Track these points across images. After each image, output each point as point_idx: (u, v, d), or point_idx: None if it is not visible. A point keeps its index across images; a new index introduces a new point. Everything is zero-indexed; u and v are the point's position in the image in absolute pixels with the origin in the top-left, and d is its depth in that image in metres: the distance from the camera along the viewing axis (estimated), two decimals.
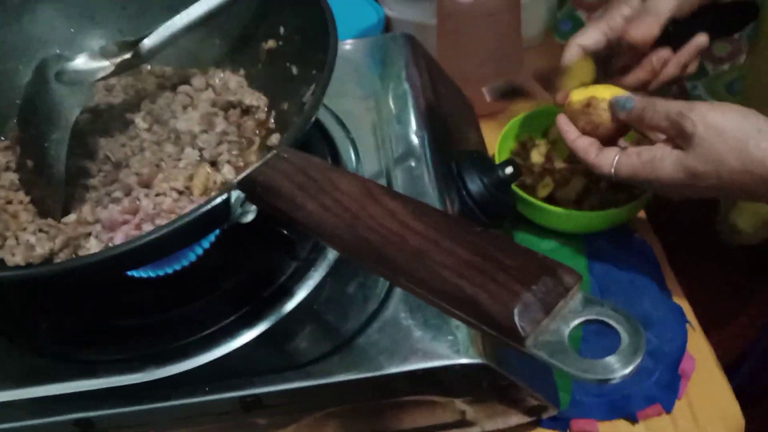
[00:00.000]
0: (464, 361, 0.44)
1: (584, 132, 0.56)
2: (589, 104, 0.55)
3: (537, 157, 0.69)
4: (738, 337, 0.74)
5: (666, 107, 0.51)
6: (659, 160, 0.51)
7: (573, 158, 0.68)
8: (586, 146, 0.56)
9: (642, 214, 0.68)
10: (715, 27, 0.61)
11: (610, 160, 0.54)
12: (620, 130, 0.56)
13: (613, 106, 0.55)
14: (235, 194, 0.38)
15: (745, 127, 0.47)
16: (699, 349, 0.57)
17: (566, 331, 0.25)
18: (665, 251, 0.65)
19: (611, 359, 0.24)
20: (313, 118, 0.44)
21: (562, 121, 0.58)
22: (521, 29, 0.76)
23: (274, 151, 0.37)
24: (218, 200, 0.37)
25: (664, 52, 0.60)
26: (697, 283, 0.63)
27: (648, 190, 0.59)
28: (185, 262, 0.52)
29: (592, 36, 0.60)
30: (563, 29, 1.17)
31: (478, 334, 0.45)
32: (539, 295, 0.25)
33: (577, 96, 0.57)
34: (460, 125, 0.69)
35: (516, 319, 0.24)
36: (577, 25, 1.18)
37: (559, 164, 0.68)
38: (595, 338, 0.57)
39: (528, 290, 0.25)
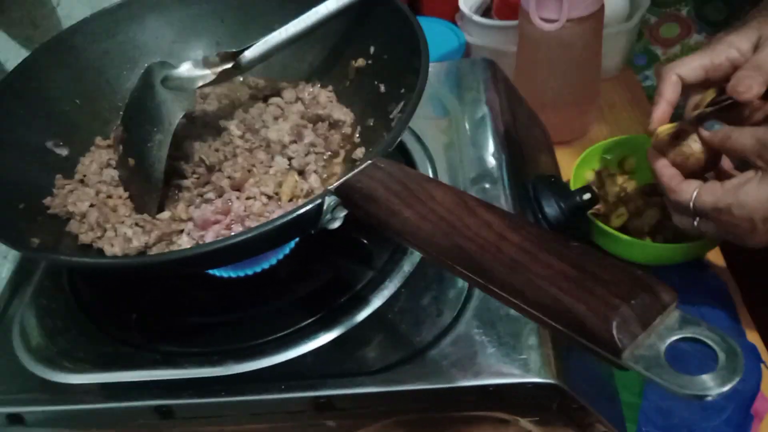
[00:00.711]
0: (536, 380, 0.44)
1: (673, 164, 0.56)
2: (678, 135, 0.55)
3: (612, 186, 0.69)
4: None
5: (753, 129, 0.51)
6: (743, 185, 0.50)
7: (648, 190, 0.68)
8: (672, 174, 0.55)
9: (717, 251, 0.67)
10: None
11: (691, 188, 0.53)
12: (709, 163, 0.55)
13: (699, 122, 0.54)
14: (329, 200, 0.40)
15: None
16: None
17: (662, 347, 0.25)
18: (739, 289, 0.64)
19: (707, 377, 0.24)
20: (402, 135, 0.46)
21: (652, 151, 0.57)
22: (601, 60, 0.77)
23: (370, 161, 0.39)
24: (314, 204, 0.39)
25: (759, 104, 0.58)
26: None
27: (726, 232, 0.54)
28: (266, 265, 0.54)
29: (692, 68, 0.56)
30: (638, 63, 1.16)
31: (552, 355, 0.46)
32: (637, 310, 0.26)
33: (665, 127, 0.56)
34: (535, 150, 0.70)
35: (614, 331, 0.25)
36: (652, 60, 1.18)
37: (634, 195, 0.68)
38: None
39: (626, 304, 0.26)
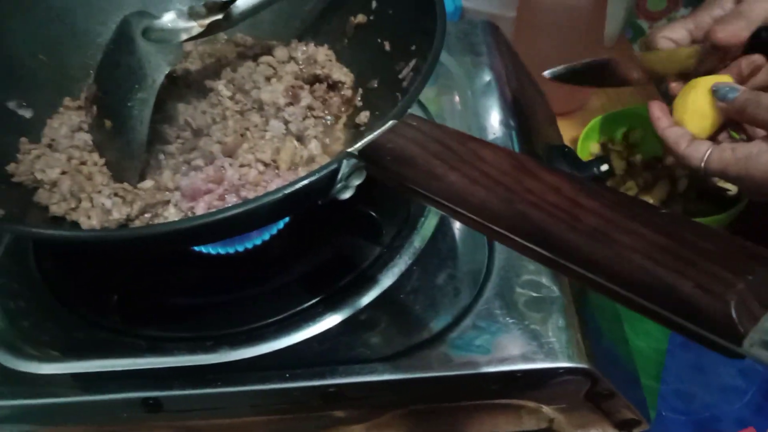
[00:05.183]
0: (567, 364, 0.41)
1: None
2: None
3: (618, 160, 0.66)
4: None
5: None
6: (756, 156, 0.48)
7: (655, 163, 0.65)
8: (677, 136, 0.52)
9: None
10: None
11: (701, 152, 0.50)
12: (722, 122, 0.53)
13: (714, 93, 0.52)
14: (346, 164, 0.35)
15: None
16: None
17: None
18: None
19: None
20: (420, 92, 0.41)
21: (656, 108, 0.54)
22: (604, 27, 0.73)
23: (395, 121, 0.34)
24: (329, 169, 0.34)
25: (756, 58, 0.56)
26: None
27: (739, 187, 0.55)
28: (258, 241, 0.49)
29: (677, 31, 0.56)
30: (625, 36, 1.13)
31: (581, 338, 0.42)
32: (755, 288, 0.22)
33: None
34: (540, 121, 0.66)
35: (734, 313, 0.21)
36: (638, 34, 1.15)
37: (641, 168, 0.65)
38: (680, 351, 0.54)
39: (742, 280, 0.22)
